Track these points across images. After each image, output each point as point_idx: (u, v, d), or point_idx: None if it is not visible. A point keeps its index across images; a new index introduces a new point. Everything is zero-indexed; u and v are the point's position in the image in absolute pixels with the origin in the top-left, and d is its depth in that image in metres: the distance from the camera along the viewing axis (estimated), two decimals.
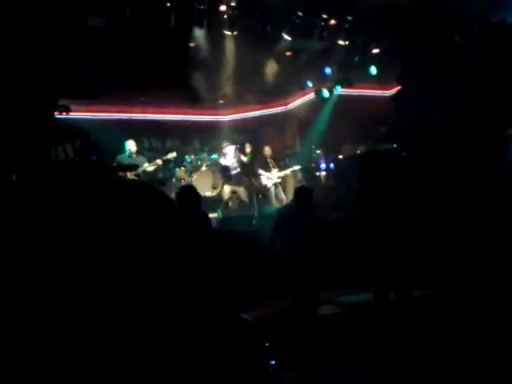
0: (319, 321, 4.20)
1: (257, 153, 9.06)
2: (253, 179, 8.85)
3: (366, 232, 4.15)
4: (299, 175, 9.42)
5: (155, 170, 8.18)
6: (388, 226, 4.04)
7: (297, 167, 9.17)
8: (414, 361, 3.27)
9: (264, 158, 8.96)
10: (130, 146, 7.98)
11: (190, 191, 4.62)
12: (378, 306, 4.03)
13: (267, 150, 9.00)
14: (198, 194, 4.71)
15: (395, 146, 7.97)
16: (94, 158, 6.41)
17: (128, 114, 9.71)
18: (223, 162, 8.71)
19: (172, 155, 8.37)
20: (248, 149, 8.97)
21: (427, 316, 4.26)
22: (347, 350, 3.58)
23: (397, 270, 4.07)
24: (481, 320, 3.93)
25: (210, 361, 2.60)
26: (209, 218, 4.66)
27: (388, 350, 3.48)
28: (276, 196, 8.79)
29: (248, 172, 8.85)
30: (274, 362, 2.40)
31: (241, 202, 8.68)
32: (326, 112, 10.13)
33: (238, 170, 8.66)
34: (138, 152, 8.18)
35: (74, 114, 7.80)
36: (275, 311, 4.41)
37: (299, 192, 5.04)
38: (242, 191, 8.65)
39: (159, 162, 8.15)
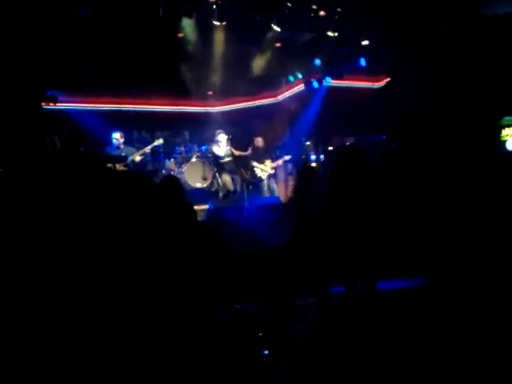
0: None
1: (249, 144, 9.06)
2: (243, 170, 8.85)
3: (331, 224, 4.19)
4: (290, 166, 9.44)
5: (143, 160, 8.17)
6: (353, 218, 4.06)
7: (288, 157, 9.18)
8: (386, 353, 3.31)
9: (257, 150, 8.97)
10: (116, 137, 7.94)
11: (172, 182, 4.59)
12: (346, 298, 4.11)
13: (260, 141, 9.00)
14: (181, 184, 4.70)
15: (384, 137, 8.03)
16: (81, 149, 6.36)
17: (117, 106, 9.61)
18: (216, 150, 8.70)
19: (159, 142, 8.36)
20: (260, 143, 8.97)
21: (400, 307, 4.30)
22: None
23: (362, 262, 4.12)
24: (469, 313, 3.98)
25: (202, 350, 2.60)
26: (194, 209, 4.69)
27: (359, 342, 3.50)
28: (268, 187, 8.82)
29: (239, 163, 8.84)
30: (267, 352, 2.42)
31: (228, 191, 8.68)
32: (316, 103, 10.14)
33: (230, 158, 8.67)
34: (126, 143, 8.14)
35: (61, 105, 7.74)
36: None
37: (304, 173, 4.94)
38: (237, 180, 8.68)
39: (147, 150, 8.15)
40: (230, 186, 8.68)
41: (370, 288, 4.19)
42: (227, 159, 8.75)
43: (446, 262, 5.26)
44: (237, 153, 8.75)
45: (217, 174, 8.71)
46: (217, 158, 8.75)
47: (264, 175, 8.74)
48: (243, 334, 2.62)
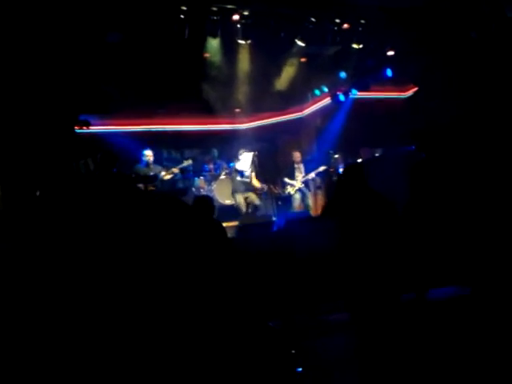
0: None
1: (276, 159, 9.13)
2: (271, 186, 8.88)
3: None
4: (319, 180, 9.40)
5: (172, 179, 8.30)
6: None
7: (322, 168, 9.14)
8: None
9: (291, 164, 9.02)
10: (148, 155, 8.10)
11: (204, 201, 4.79)
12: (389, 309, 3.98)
13: (297, 156, 9.09)
14: (213, 203, 4.89)
15: (413, 147, 7.89)
16: (114, 170, 6.52)
17: (146, 127, 9.84)
18: (239, 166, 8.74)
19: (188, 162, 8.53)
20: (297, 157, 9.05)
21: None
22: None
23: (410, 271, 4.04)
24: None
25: (236, 369, 2.59)
26: (223, 228, 4.74)
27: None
28: (302, 201, 8.83)
29: (267, 179, 8.87)
30: (300, 370, 2.38)
31: (255, 207, 8.67)
32: (342, 116, 10.10)
33: (249, 179, 8.66)
34: (155, 161, 8.29)
35: (94, 129, 7.98)
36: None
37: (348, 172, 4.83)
38: (253, 196, 8.63)
39: (175, 170, 8.28)
40: (256, 202, 8.63)
41: (419, 297, 4.10)
42: (246, 180, 8.67)
43: (489, 272, 5.10)
44: (255, 183, 8.70)
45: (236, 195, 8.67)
46: (239, 173, 8.73)
47: (293, 190, 8.76)
48: (276, 351, 2.60)
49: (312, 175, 9.08)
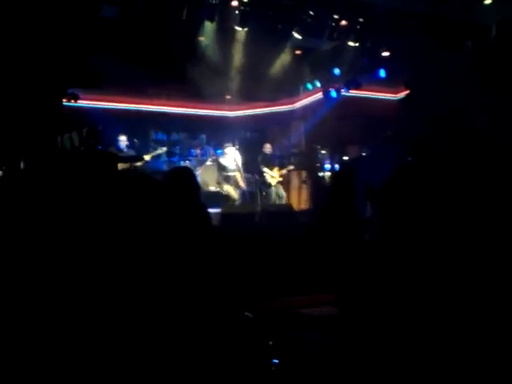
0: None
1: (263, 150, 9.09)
2: (256, 176, 8.87)
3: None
4: (304, 174, 9.44)
5: (159, 161, 8.25)
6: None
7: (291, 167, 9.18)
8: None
9: (267, 156, 8.99)
10: (122, 140, 8.03)
11: (186, 175, 3.67)
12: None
13: (267, 148, 9.04)
14: (194, 178, 3.72)
15: (401, 150, 7.96)
16: (99, 147, 6.43)
17: (135, 106, 9.70)
18: (222, 161, 8.71)
19: (162, 150, 8.48)
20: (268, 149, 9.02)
21: None
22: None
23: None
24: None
25: (210, 359, 2.59)
26: (206, 212, 4.21)
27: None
28: (276, 193, 8.81)
29: (252, 169, 8.87)
30: (277, 361, 2.41)
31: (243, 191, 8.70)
32: (333, 113, 10.12)
33: (236, 173, 8.65)
34: (128, 147, 8.20)
35: (80, 102, 7.83)
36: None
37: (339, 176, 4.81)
38: (240, 181, 8.65)
39: (147, 158, 8.14)
40: (235, 196, 8.63)
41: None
42: (231, 174, 8.70)
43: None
44: (240, 182, 8.71)
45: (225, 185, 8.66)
46: (222, 168, 8.72)
47: (274, 181, 8.75)
48: (252, 342, 2.61)
49: (289, 169, 9.08)
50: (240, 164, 8.68)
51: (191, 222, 3.85)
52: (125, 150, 8.03)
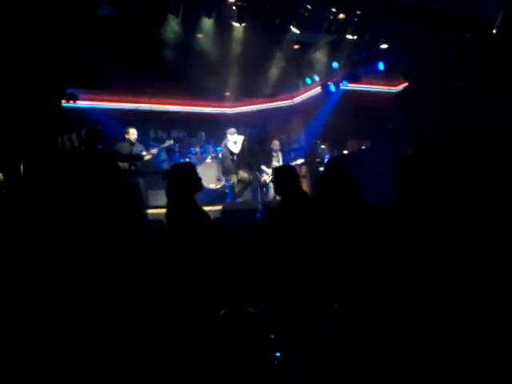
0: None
1: (264, 146, 9.11)
2: (257, 173, 8.87)
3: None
4: (304, 169, 9.43)
5: (157, 159, 8.27)
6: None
7: (300, 161, 9.18)
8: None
9: (269, 152, 9.00)
10: (132, 133, 8.01)
11: (189, 170, 3.58)
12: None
13: (275, 144, 9.06)
14: (197, 176, 3.61)
15: (400, 142, 7.94)
16: (99, 147, 6.42)
17: (134, 105, 9.70)
18: (231, 146, 8.69)
19: (169, 142, 8.48)
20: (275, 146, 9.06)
21: None
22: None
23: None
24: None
25: (213, 353, 2.60)
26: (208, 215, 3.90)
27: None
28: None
29: (252, 165, 8.86)
30: (278, 355, 2.41)
31: (246, 185, 8.70)
32: (332, 106, 10.11)
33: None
34: (138, 140, 8.19)
35: (80, 103, 7.83)
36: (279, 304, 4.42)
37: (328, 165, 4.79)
38: (244, 174, 8.68)
39: (154, 151, 8.21)
40: (247, 180, 8.67)
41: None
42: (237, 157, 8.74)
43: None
44: (242, 173, 8.79)
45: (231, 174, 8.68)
46: (230, 153, 8.72)
47: (269, 179, 8.77)
48: (254, 336, 2.62)
49: (298, 162, 9.07)
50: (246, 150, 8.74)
51: (191, 220, 3.84)
52: (136, 144, 8.02)
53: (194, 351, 2.61)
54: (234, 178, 8.55)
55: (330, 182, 4.38)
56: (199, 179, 3.60)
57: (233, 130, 8.80)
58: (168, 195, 3.48)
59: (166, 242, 3.44)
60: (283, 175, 4.31)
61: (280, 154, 9.21)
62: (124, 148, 7.88)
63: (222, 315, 2.91)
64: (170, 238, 3.50)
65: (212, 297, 3.11)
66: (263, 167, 8.84)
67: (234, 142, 8.68)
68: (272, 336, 2.56)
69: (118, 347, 2.41)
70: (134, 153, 7.91)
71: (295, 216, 4.04)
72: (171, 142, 8.49)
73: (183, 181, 3.46)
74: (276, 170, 4.76)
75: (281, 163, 9.00)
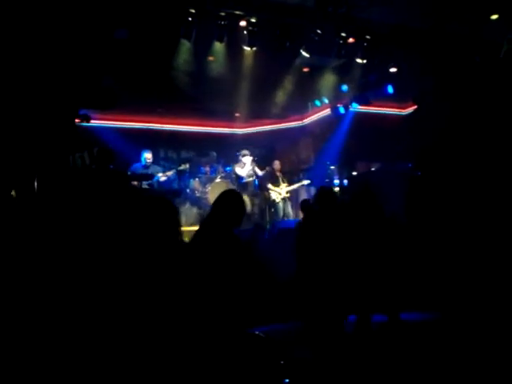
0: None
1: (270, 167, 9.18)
2: (265, 193, 8.92)
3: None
4: (313, 191, 9.45)
5: (169, 178, 8.36)
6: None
7: (306, 182, 9.24)
8: None
9: (274, 172, 9.07)
10: (147, 157, 8.14)
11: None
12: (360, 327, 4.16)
13: (277, 164, 9.13)
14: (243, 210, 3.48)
15: (410, 165, 7.95)
16: (111, 166, 6.49)
17: (145, 124, 9.83)
18: (239, 171, 8.84)
19: (185, 166, 8.53)
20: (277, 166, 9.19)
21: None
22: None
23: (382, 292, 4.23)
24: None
25: (221, 379, 2.58)
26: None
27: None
28: (283, 210, 8.86)
29: (261, 186, 8.94)
30: (288, 381, 2.39)
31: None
32: (342, 129, 10.17)
33: (252, 179, 8.93)
34: (153, 162, 8.32)
35: (92, 123, 7.95)
36: (290, 328, 4.41)
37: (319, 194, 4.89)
38: (256, 202, 8.82)
39: (169, 173, 8.35)
40: (248, 208, 8.72)
41: (393, 318, 4.24)
42: (249, 179, 8.95)
43: (460, 298, 5.15)
44: (260, 172, 9.01)
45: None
46: (239, 178, 8.88)
47: (278, 198, 8.80)
48: (263, 361, 2.60)
49: (295, 186, 9.13)
50: (258, 171, 8.93)
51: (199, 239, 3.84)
52: (149, 165, 8.14)
53: (201, 374, 2.59)
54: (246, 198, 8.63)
55: (361, 200, 4.53)
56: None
57: (244, 151, 8.91)
58: (210, 222, 3.43)
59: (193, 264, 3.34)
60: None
61: (281, 175, 9.25)
62: (139, 170, 8.02)
63: (231, 339, 2.89)
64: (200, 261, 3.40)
65: (220, 317, 3.10)
66: (270, 186, 8.90)
67: (244, 164, 8.78)
68: (281, 362, 2.54)
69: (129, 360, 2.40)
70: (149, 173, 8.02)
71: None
72: (187, 166, 8.58)
73: (233, 212, 3.35)
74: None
75: (285, 183, 9.07)
